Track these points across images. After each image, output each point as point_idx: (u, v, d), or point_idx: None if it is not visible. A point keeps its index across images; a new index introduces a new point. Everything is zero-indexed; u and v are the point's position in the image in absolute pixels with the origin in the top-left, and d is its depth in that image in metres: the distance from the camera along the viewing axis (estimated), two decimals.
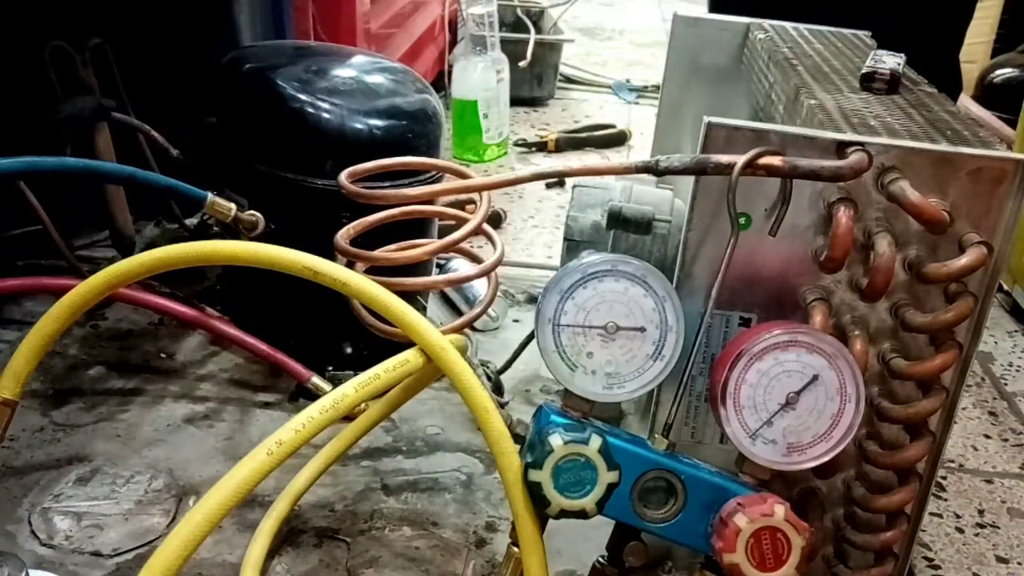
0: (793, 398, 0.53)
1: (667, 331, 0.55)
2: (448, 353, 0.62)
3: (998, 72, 1.91)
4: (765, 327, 0.55)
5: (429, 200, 0.89)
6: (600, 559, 0.60)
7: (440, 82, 1.98)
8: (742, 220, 0.56)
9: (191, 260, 0.65)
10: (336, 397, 0.59)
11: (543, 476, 0.54)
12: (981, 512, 0.92)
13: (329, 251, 0.78)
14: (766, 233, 0.57)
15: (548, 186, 1.67)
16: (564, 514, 0.55)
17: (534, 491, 0.54)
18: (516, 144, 1.92)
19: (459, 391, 0.61)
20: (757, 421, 0.54)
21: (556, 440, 0.54)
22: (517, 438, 0.60)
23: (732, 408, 0.54)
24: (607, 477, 0.54)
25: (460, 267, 1.09)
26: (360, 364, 0.86)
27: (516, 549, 0.59)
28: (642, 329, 0.54)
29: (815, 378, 0.53)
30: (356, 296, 0.64)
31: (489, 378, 0.95)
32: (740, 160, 0.53)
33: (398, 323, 0.63)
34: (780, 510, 0.52)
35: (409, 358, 0.63)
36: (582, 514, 0.55)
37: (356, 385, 0.60)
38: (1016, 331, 1.32)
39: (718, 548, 0.53)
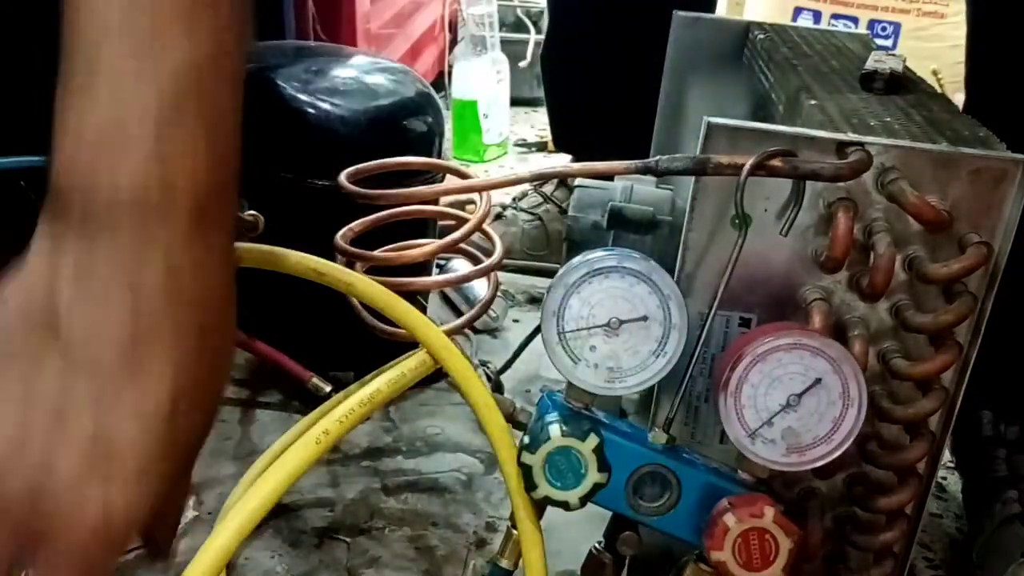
0: (795, 400, 0.53)
1: (671, 328, 0.55)
2: (453, 355, 0.62)
3: None
4: (770, 329, 0.55)
5: (430, 200, 0.89)
6: (597, 545, 0.60)
7: (440, 82, 1.98)
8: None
9: None
10: (371, 392, 0.60)
11: (535, 461, 0.55)
12: None
13: (329, 251, 0.78)
14: (766, 233, 0.57)
15: None
16: (548, 501, 0.56)
17: (524, 472, 0.56)
18: (516, 144, 1.92)
19: (463, 392, 0.61)
20: (757, 421, 0.54)
21: (555, 430, 0.55)
22: (519, 425, 0.60)
23: (733, 407, 0.54)
24: (595, 477, 0.55)
25: (460, 267, 1.09)
26: (360, 364, 0.87)
27: (516, 531, 0.60)
28: (644, 318, 0.54)
29: (817, 381, 0.53)
30: (361, 297, 0.65)
31: (489, 378, 0.95)
32: (750, 161, 0.53)
33: (402, 324, 0.64)
34: (770, 512, 0.53)
35: (425, 359, 0.63)
36: (565, 505, 0.56)
37: (387, 382, 0.61)
38: None
39: (707, 545, 0.54)
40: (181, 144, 0.40)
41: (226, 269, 0.44)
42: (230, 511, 0.53)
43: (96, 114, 0.39)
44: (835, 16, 2.16)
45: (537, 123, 2.01)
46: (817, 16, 2.16)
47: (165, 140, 0.40)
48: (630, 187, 0.75)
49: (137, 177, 0.40)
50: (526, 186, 1.42)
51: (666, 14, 0.92)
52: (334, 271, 0.64)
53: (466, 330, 0.91)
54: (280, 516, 0.80)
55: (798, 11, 2.17)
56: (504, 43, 1.88)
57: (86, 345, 0.40)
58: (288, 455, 0.55)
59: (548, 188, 1.39)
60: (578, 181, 0.76)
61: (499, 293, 1.04)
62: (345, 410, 0.59)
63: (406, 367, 0.62)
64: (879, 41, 1.66)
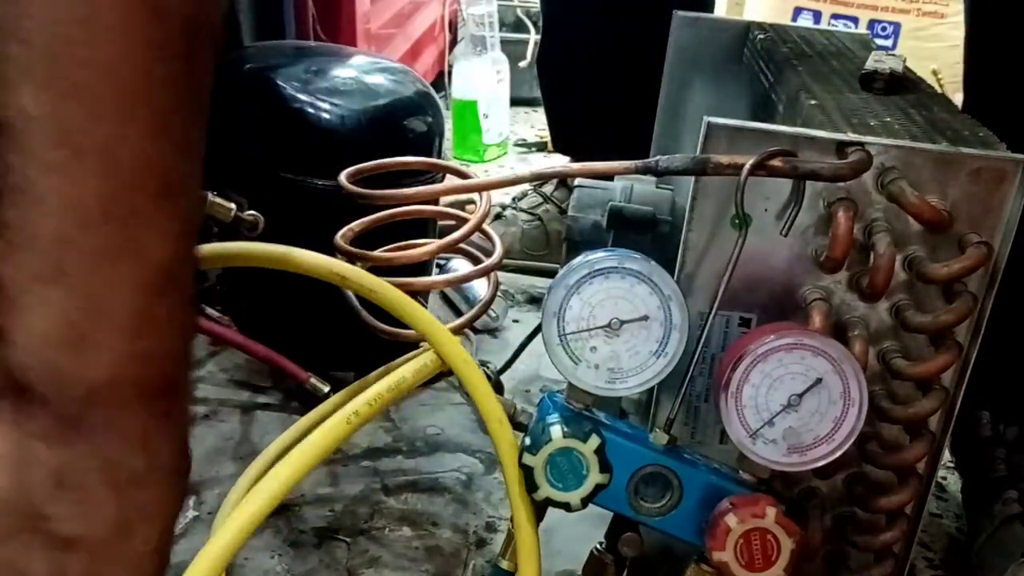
0: (795, 400, 0.53)
1: (671, 329, 0.55)
2: (471, 367, 0.63)
3: None
4: (771, 329, 0.55)
5: (430, 200, 0.89)
6: (598, 545, 0.60)
7: (440, 82, 1.98)
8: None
9: (220, 260, 0.65)
10: (398, 379, 0.61)
11: (536, 462, 0.55)
12: None
13: (329, 251, 0.78)
14: (765, 233, 0.57)
15: None
16: (549, 502, 0.56)
17: (526, 474, 0.56)
18: (516, 144, 1.92)
19: (475, 402, 0.62)
20: (758, 421, 0.54)
21: (556, 431, 0.55)
22: (519, 427, 0.60)
23: (734, 407, 0.54)
24: (597, 478, 0.55)
25: (460, 267, 1.09)
26: (360, 364, 0.87)
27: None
28: (645, 318, 0.54)
29: (818, 381, 0.53)
30: (384, 305, 0.64)
31: (489, 378, 0.95)
32: (750, 161, 0.53)
33: (419, 330, 0.64)
34: (772, 512, 0.53)
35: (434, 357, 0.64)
36: (566, 507, 0.56)
37: (412, 371, 0.62)
38: None
39: (709, 546, 0.54)
40: (157, 334, 0.39)
41: (187, 427, 0.45)
42: (261, 480, 0.53)
43: (67, 315, 0.37)
44: (835, 16, 2.15)
45: (537, 123, 2.01)
46: (817, 16, 2.16)
47: (142, 334, 0.38)
48: (630, 187, 0.75)
49: (114, 373, 0.38)
50: (526, 186, 1.42)
51: (663, 14, 0.92)
52: (358, 277, 0.64)
53: (466, 330, 0.91)
54: (280, 516, 0.80)
55: (798, 11, 2.17)
56: (504, 43, 1.88)
57: (73, 540, 0.40)
58: (319, 432, 0.56)
59: (548, 188, 1.39)
60: (578, 181, 0.76)
61: (499, 293, 1.04)
62: (374, 394, 0.59)
63: (428, 358, 0.63)
64: (879, 41, 1.66)
